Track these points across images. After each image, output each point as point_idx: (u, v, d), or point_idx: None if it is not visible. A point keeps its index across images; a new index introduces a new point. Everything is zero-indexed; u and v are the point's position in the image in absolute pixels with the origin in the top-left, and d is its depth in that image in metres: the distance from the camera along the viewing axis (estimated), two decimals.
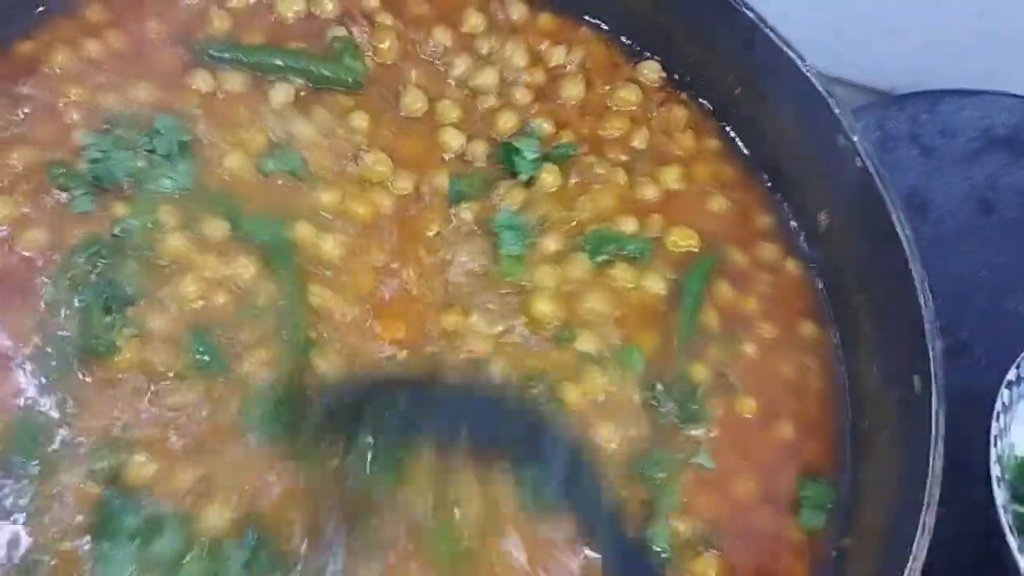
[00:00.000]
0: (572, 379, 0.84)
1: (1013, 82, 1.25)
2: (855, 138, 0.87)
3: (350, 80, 0.94)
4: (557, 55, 0.99)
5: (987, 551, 0.94)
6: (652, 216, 0.92)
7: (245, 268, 0.83)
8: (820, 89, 0.89)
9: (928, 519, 0.71)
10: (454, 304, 0.86)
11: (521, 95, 0.97)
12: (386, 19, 0.98)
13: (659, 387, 0.85)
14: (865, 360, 0.89)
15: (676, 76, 1.01)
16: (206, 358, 0.80)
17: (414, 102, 0.94)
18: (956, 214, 1.20)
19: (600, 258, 0.89)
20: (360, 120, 0.93)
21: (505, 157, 0.92)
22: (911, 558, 0.70)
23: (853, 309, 0.90)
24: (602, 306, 0.88)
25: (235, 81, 0.92)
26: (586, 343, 0.85)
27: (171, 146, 0.86)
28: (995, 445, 0.93)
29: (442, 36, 0.98)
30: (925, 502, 0.72)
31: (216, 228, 0.84)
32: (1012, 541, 0.90)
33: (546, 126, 0.95)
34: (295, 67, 0.93)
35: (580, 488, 0.80)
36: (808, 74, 0.89)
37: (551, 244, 0.90)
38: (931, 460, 0.73)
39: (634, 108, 0.98)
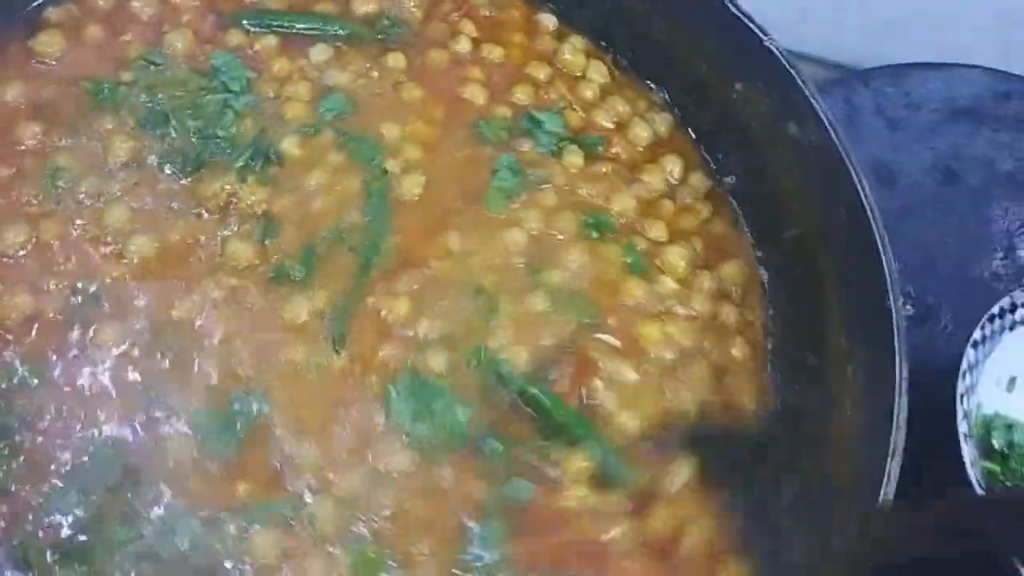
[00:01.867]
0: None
1: (973, 55, 1.28)
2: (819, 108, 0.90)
3: (380, 38, 1.01)
4: None
5: None
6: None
7: None
8: (783, 62, 0.92)
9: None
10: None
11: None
12: None
13: None
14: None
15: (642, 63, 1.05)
16: None
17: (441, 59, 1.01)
18: (922, 184, 1.23)
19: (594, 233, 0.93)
20: (394, 60, 0.99)
21: (527, 126, 0.98)
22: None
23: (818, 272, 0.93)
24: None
25: (269, 40, 0.98)
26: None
27: (241, 82, 0.94)
28: (961, 403, 0.96)
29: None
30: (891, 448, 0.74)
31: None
32: (981, 495, 0.93)
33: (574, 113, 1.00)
34: (324, 29, 1.00)
35: None
36: (771, 47, 0.92)
37: (548, 201, 0.94)
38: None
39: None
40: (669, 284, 0.92)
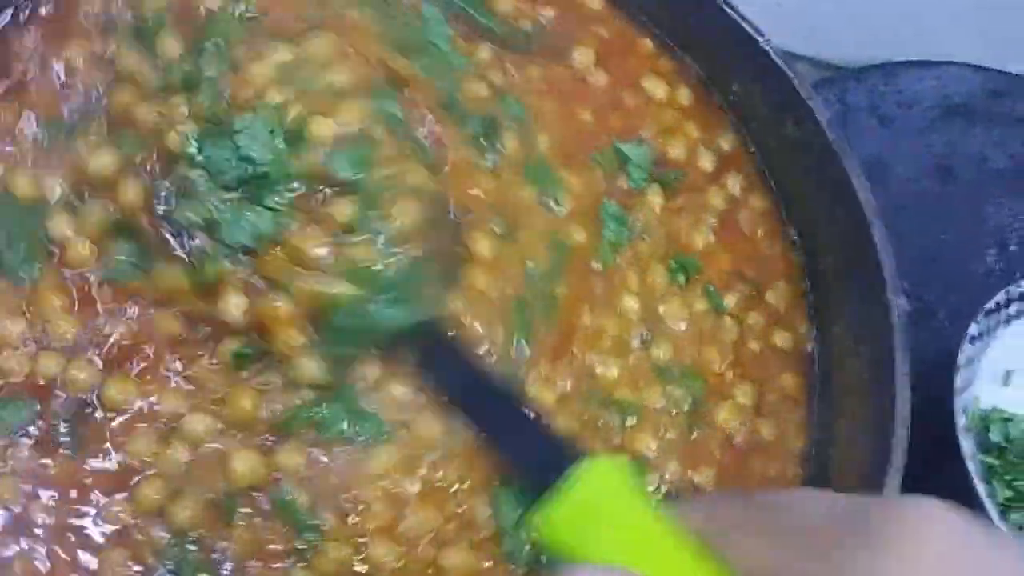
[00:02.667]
0: None
1: (967, 52, 1.29)
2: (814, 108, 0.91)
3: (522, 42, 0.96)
4: None
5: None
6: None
7: None
8: (778, 62, 0.93)
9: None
10: None
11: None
12: None
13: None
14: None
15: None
16: None
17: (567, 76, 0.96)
18: (917, 181, 1.24)
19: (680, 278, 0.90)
20: (484, 52, 0.93)
21: (619, 160, 0.93)
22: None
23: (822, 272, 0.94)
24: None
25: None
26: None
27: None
28: (958, 397, 0.97)
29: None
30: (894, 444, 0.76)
31: None
32: (980, 488, 0.94)
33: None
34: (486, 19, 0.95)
35: None
36: (766, 48, 0.93)
37: (644, 250, 0.90)
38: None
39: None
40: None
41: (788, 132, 0.95)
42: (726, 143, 0.98)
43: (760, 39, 0.94)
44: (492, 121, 0.90)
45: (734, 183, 0.96)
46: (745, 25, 0.94)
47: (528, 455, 0.66)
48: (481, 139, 0.89)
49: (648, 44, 1.01)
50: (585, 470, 0.59)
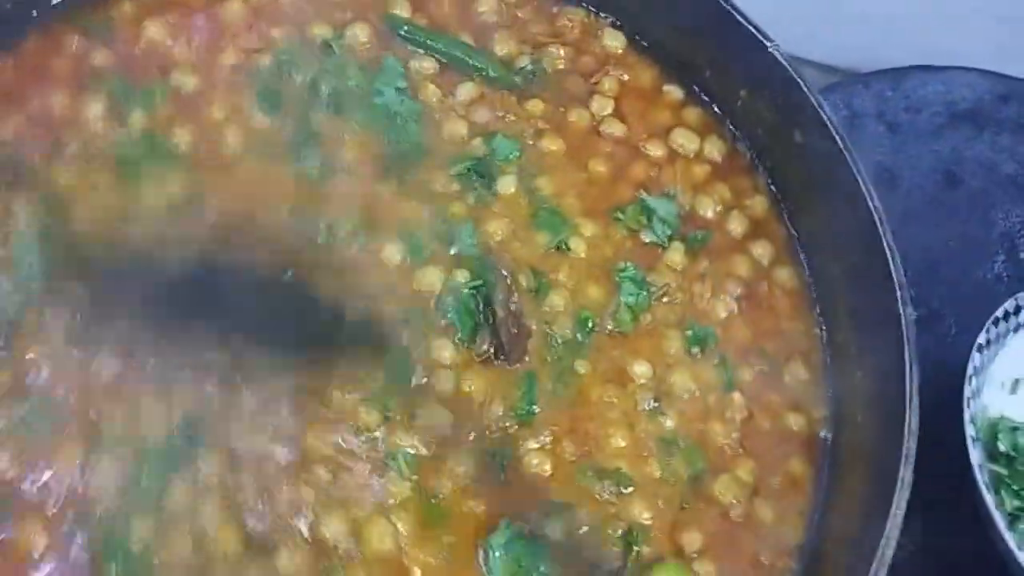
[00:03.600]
0: None
1: (973, 58, 1.28)
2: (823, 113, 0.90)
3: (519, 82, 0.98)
4: None
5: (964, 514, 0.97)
6: None
7: None
8: (786, 66, 0.92)
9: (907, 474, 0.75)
10: None
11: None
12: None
13: None
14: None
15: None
16: None
17: (580, 119, 0.97)
18: (923, 187, 1.23)
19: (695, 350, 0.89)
20: (534, 106, 0.96)
21: (643, 214, 0.93)
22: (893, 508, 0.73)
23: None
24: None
25: (426, 64, 0.97)
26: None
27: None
28: (968, 406, 0.96)
29: None
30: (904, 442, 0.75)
31: None
32: (988, 498, 0.93)
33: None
34: (470, 59, 0.98)
35: None
36: (775, 53, 0.92)
37: (662, 315, 0.90)
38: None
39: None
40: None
41: (795, 140, 0.94)
42: (759, 206, 0.97)
43: (768, 44, 0.93)
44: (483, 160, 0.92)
45: (763, 252, 0.95)
46: (752, 29, 0.93)
47: None
48: (471, 178, 0.91)
49: (676, 93, 1.01)
50: None
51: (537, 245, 0.90)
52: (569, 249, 0.90)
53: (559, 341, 0.86)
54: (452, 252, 0.88)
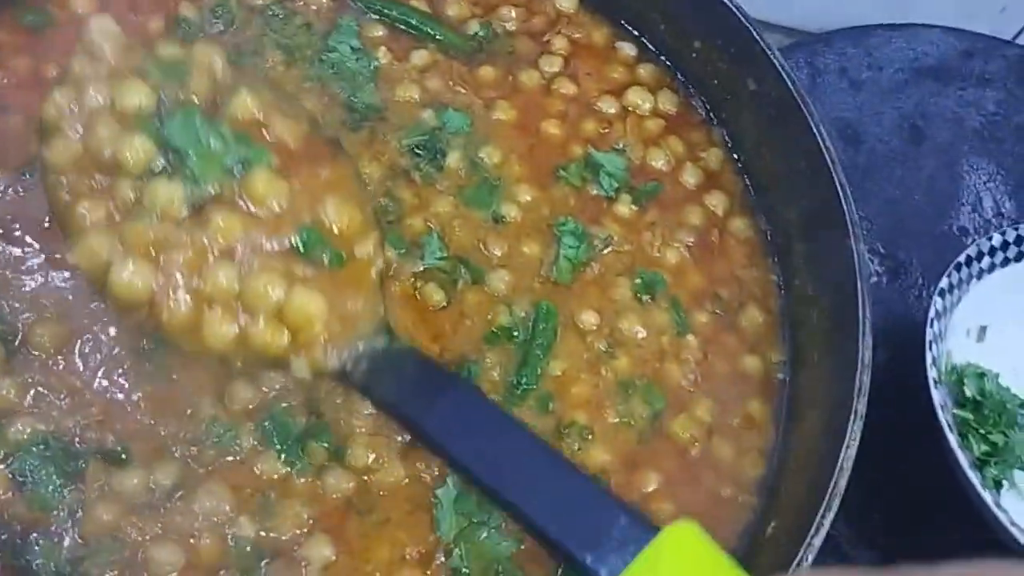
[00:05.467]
0: None
1: (936, 14, 1.28)
2: (774, 58, 0.90)
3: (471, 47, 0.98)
4: None
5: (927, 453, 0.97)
6: None
7: None
8: (738, 15, 0.92)
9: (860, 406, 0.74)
10: None
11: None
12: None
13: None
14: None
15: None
16: None
17: (529, 80, 0.97)
18: (889, 143, 1.23)
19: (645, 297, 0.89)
20: (485, 73, 0.96)
21: (589, 169, 0.93)
22: (846, 440, 0.73)
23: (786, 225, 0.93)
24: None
25: (377, 30, 0.97)
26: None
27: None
28: (930, 349, 0.96)
29: None
30: (856, 387, 0.75)
31: None
32: (952, 438, 0.93)
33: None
34: (424, 25, 0.98)
35: None
36: (727, 2, 0.93)
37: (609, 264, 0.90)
38: (860, 347, 0.76)
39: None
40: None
41: (749, 88, 0.94)
42: (714, 158, 0.97)
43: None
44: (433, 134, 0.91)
45: (717, 202, 0.95)
46: None
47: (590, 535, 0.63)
48: (417, 152, 0.91)
49: (628, 49, 1.01)
50: (667, 541, 0.58)
51: (475, 221, 0.89)
52: (503, 218, 0.90)
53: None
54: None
